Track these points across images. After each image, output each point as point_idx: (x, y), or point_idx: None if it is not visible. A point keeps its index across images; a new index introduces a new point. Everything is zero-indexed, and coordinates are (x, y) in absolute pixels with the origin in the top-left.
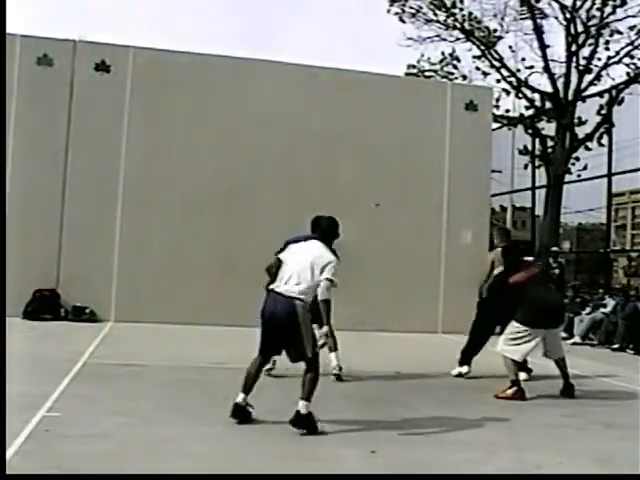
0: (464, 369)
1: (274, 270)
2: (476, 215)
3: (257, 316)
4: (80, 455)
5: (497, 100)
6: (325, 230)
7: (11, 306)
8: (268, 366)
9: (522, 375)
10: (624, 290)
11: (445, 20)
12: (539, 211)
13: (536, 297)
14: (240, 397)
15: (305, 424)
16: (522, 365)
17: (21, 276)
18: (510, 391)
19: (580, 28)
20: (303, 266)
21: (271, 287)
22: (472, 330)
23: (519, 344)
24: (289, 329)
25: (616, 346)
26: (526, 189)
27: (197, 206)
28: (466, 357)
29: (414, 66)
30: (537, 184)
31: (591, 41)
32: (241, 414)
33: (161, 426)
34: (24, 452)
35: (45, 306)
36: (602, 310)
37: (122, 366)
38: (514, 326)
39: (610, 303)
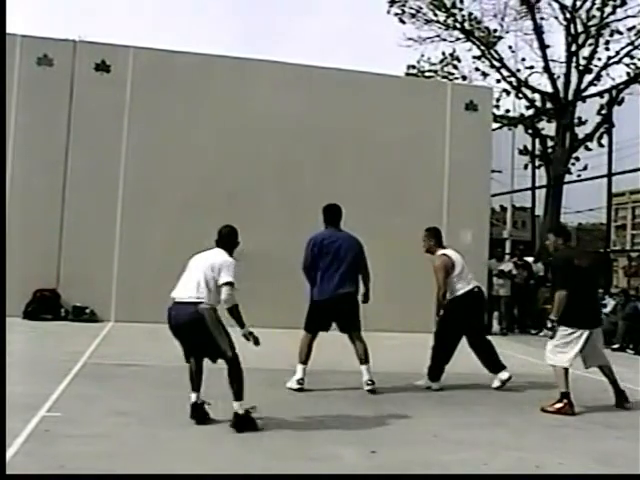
0: (436, 385)
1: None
2: (476, 215)
3: (257, 316)
4: (80, 455)
5: (497, 100)
6: (223, 238)
7: (11, 306)
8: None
9: (505, 374)
10: (624, 290)
11: (445, 20)
12: (539, 211)
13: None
14: (194, 396)
15: (245, 424)
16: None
17: (21, 276)
18: (559, 405)
19: (580, 28)
20: (200, 270)
21: (172, 295)
22: (436, 344)
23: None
24: (199, 333)
25: (616, 346)
26: (526, 189)
27: (197, 206)
28: (435, 372)
29: (414, 66)
30: (537, 184)
31: (591, 41)
32: (199, 413)
33: (161, 426)
34: (24, 452)
35: (45, 306)
36: (602, 310)
37: (122, 366)
38: (561, 329)
39: (610, 303)
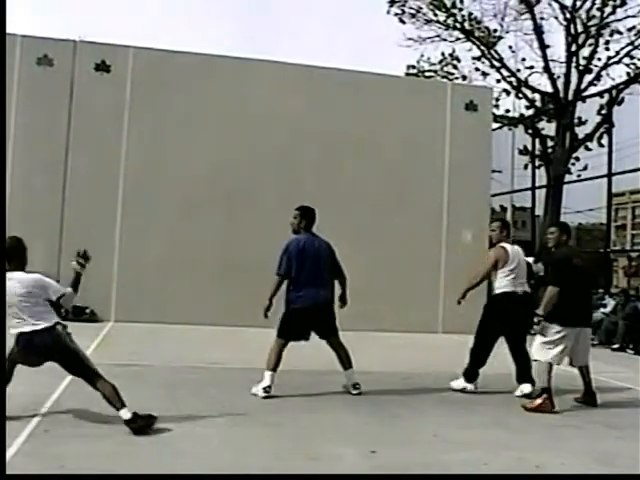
0: (470, 387)
1: None
2: (476, 215)
3: (257, 317)
4: (80, 455)
5: (497, 100)
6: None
7: None
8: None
9: (527, 387)
10: (624, 290)
11: (445, 20)
12: (539, 211)
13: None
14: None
15: (139, 424)
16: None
17: None
18: (538, 401)
19: (580, 28)
20: (26, 296)
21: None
22: (475, 345)
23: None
24: (61, 355)
25: (616, 346)
26: (526, 189)
27: (197, 206)
28: (475, 372)
29: (414, 66)
30: (537, 184)
31: (591, 41)
32: (140, 424)
33: (161, 426)
34: (24, 452)
35: None
36: (602, 310)
37: (122, 366)
38: (552, 327)
39: (610, 303)
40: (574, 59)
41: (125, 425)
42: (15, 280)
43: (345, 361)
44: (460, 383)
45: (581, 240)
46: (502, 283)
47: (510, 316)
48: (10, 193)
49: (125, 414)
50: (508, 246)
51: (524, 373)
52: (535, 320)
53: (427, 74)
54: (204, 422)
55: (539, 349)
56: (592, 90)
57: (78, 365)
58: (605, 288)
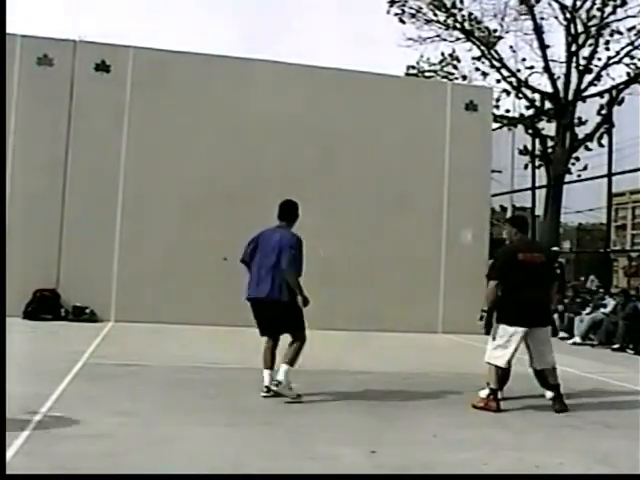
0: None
1: None
2: (476, 215)
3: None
4: (80, 455)
5: (497, 100)
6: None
7: (11, 306)
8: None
9: (548, 394)
10: (624, 290)
11: (445, 20)
12: (539, 211)
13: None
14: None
15: None
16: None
17: (21, 276)
18: (483, 400)
19: (580, 28)
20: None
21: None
22: None
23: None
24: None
25: (616, 346)
26: (526, 189)
27: (197, 206)
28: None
29: (414, 67)
30: (537, 184)
31: (591, 41)
32: None
33: (161, 426)
34: (24, 452)
35: (45, 306)
36: (602, 310)
37: (122, 366)
38: (500, 328)
39: (610, 303)
40: (574, 59)
41: None
42: None
43: (288, 356)
44: (486, 392)
45: (581, 240)
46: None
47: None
48: (10, 193)
49: None
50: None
51: (541, 377)
52: (477, 316)
53: (427, 74)
54: (204, 422)
55: (489, 352)
56: (592, 90)
57: None
58: (605, 288)
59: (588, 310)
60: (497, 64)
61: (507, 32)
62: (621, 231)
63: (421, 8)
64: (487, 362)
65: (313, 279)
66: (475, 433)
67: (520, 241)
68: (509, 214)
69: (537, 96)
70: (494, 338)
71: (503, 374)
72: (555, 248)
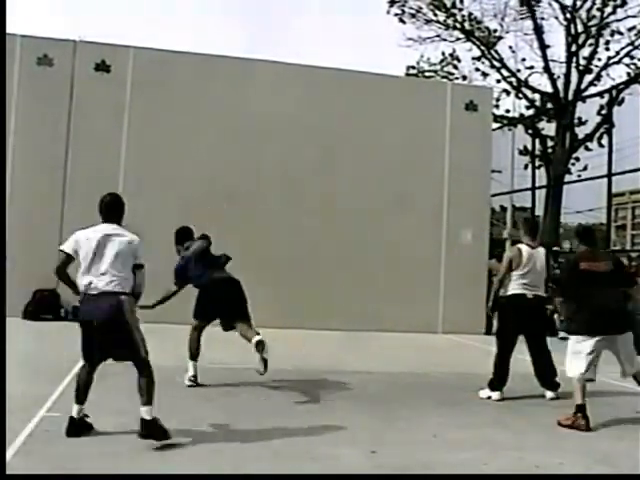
0: (495, 395)
1: (64, 269)
2: (476, 215)
3: (257, 316)
4: (80, 455)
5: (497, 100)
6: (108, 209)
7: (11, 306)
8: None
9: (548, 394)
10: (624, 290)
11: (445, 20)
12: (539, 211)
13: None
14: (76, 409)
15: (153, 431)
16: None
17: (21, 276)
18: (572, 418)
19: (580, 28)
20: (111, 255)
21: (83, 288)
22: (497, 344)
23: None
24: (116, 328)
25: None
26: (526, 189)
27: (197, 206)
28: (497, 379)
29: (413, 67)
30: (537, 184)
31: (591, 41)
32: (78, 428)
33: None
34: (24, 452)
35: (45, 306)
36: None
37: (122, 366)
38: (572, 338)
39: None
40: (574, 59)
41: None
42: None
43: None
44: (486, 392)
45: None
46: (512, 285)
47: (520, 318)
48: (10, 193)
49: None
50: (524, 248)
51: (544, 377)
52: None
53: (427, 74)
54: (204, 422)
55: (568, 365)
56: (592, 90)
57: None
58: None
59: None
60: (497, 64)
61: (507, 32)
62: (621, 231)
63: (421, 8)
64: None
65: (313, 279)
66: (475, 433)
67: (583, 252)
68: (509, 214)
69: (537, 96)
70: (571, 349)
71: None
72: (556, 248)
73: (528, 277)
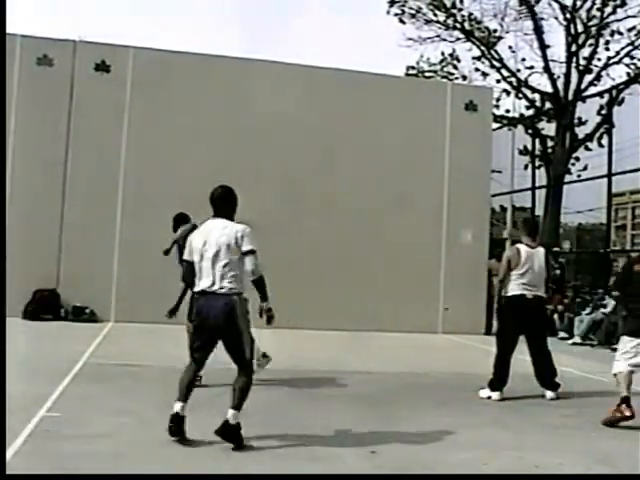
0: (495, 395)
1: (190, 275)
2: (476, 215)
3: (257, 317)
4: (80, 455)
5: (497, 100)
6: (218, 202)
7: (11, 306)
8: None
9: (548, 394)
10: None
11: (445, 20)
12: (539, 211)
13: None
14: (178, 406)
15: (233, 436)
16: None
17: (21, 276)
18: (617, 409)
19: (580, 28)
20: (223, 253)
21: (199, 289)
22: (497, 344)
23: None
24: (226, 328)
25: (616, 346)
26: (526, 189)
27: (197, 206)
28: (497, 380)
29: (413, 67)
30: (537, 184)
31: (591, 41)
32: (180, 426)
33: (161, 426)
34: (24, 452)
35: (45, 306)
36: (602, 310)
37: (122, 366)
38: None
39: (610, 303)
40: (574, 59)
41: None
42: None
43: None
44: (486, 392)
45: (581, 240)
46: (511, 286)
47: (520, 319)
48: (10, 193)
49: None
50: (523, 248)
51: (544, 377)
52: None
53: (427, 74)
54: (204, 422)
55: (615, 363)
56: (592, 90)
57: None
58: (605, 288)
59: (588, 310)
60: (497, 64)
61: (507, 32)
62: (621, 231)
63: (421, 8)
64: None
65: (313, 279)
66: (475, 433)
67: (638, 255)
68: (509, 214)
69: (537, 96)
70: (619, 350)
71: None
72: (556, 249)
73: (526, 277)
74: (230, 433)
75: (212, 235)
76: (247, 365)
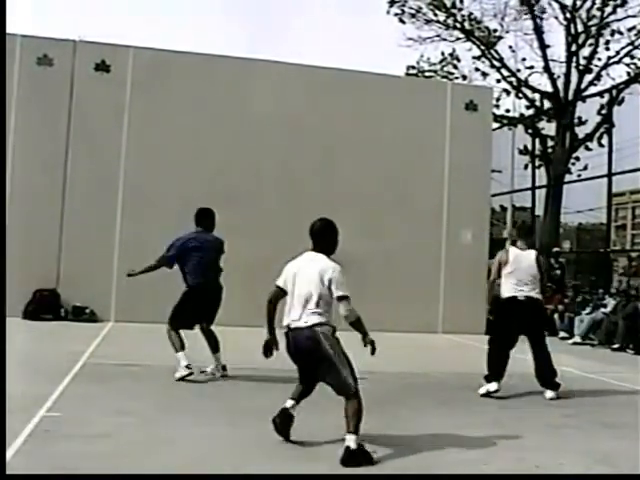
0: (492, 386)
1: (274, 300)
2: (476, 215)
3: (256, 319)
4: (80, 455)
5: (497, 100)
6: (317, 236)
7: (11, 306)
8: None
9: (548, 393)
10: (624, 290)
11: (445, 20)
12: (539, 211)
13: None
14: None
15: (358, 459)
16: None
17: (21, 276)
18: None
19: (580, 28)
20: (308, 288)
21: (285, 323)
22: (490, 341)
23: None
24: (318, 361)
25: (616, 346)
26: (526, 189)
27: (197, 206)
28: (493, 374)
29: (413, 67)
30: (537, 184)
31: (591, 41)
32: (287, 420)
33: (161, 426)
34: (24, 452)
35: (45, 306)
36: (602, 310)
37: (122, 366)
38: None
39: (610, 303)
40: (574, 59)
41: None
42: None
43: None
44: (484, 388)
45: (581, 240)
46: (503, 288)
47: (516, 320)
48: (10, 193)
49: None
50: (512, 249)
51: (543, 377)
52: None
53: (427, 74)
54: (204, 422)
55: None
56: (592, 90)
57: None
58: (605, 288)
59: (588, 310)
60: (497, 64)
61: (507, 32)
62: (621, 231)
63: (421, 8)
64: None
65: None
66: (475, 433)
67: None
68: (509, 214)
69: (537, 96)
70: None
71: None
72: (556, 249)
73: (514, 276)
74: (355, 458)
75: (302, 271)
76: (349, 389)
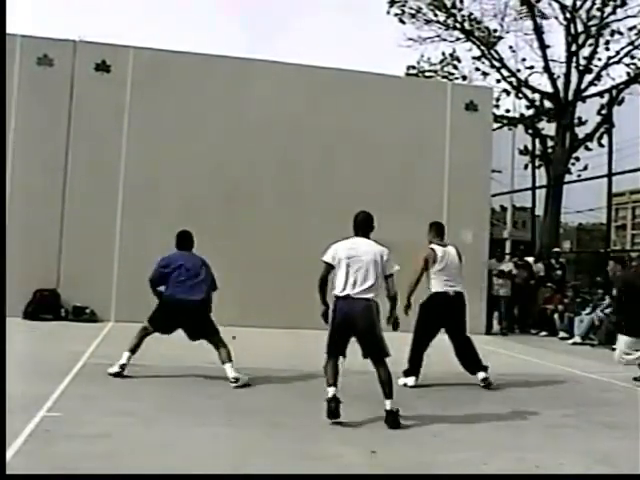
0: (410, 380)
1: (326, 276)
2: (476, 215)
3: (256, 316)
4: (80, 455)
5: (497, 100)
6: (362, 224)
7: (11, 306)
8: None
9: (480, 374)
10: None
11: (445, 20)
12: (539, 211)
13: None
14: (332, 390)
15: (398, 420)
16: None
17: (21, 276)
18: None
19: (580, 28)
20: (367, 267)
21: (342, 294)
22: (416, 337)
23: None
24: (366, 327)
25: (616, 346)
26: (526, 189)
27: (197, 206)
28: (413, 368)
29: (414, 67)
30: (537, 184)
31: (591, 41)
32: (336, 409)
33: (161, 426)
34: (24, 452)
35: (45, 306)
36: (602, 310)
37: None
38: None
39: (610, 303)
40: (574, 59)
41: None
42: None
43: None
44: (402, 380)
45: (581, 240)
46: (433, 283)
47: (441, 316)
48: (10, 193)
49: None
50: (437, 247)
51: (474, 363)
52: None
53: (427, 74)
54: (204, 422)
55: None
56: (592, 90)
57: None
58: (605, 288)
59: (588, 310)
60: (497, 64)
61: (507, 32)
62: (621, 231)
63: (421, 8)
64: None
65: (313, 279)
66: (475, 433)
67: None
68: (509, 214)
69: (537, 96)
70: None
71: None
72: (557, 249)
73: (445, 272)
74: (396, 418)
75: (360, 250)
76: (387, 353)
